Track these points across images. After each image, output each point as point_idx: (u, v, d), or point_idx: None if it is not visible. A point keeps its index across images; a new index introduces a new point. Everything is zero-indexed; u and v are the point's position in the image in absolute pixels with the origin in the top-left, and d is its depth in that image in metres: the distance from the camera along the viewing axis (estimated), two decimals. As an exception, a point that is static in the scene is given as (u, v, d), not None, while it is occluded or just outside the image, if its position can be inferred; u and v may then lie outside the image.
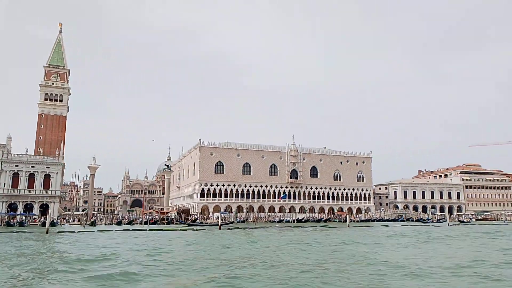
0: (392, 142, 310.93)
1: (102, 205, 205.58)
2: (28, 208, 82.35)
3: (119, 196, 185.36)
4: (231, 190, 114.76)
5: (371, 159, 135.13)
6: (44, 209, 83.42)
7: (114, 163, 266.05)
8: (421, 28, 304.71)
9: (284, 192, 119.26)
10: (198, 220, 79.64)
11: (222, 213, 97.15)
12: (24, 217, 73.06)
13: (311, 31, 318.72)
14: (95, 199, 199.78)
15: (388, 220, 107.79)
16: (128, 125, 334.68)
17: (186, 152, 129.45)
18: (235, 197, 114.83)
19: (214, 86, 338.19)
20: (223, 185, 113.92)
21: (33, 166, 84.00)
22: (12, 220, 71.12)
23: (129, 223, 75.53)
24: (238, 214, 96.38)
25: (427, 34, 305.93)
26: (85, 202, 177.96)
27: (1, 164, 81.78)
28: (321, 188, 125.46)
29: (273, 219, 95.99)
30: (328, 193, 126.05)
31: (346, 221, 77.83)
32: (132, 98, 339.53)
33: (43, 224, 64.91)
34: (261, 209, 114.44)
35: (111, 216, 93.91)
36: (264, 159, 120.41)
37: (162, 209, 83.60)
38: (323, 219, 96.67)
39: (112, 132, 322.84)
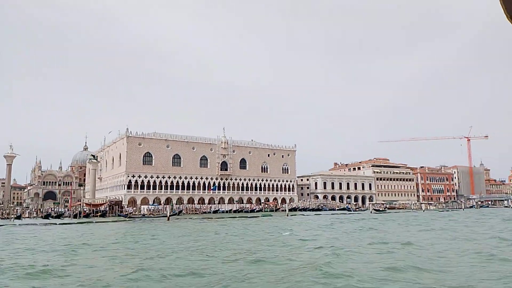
0: (314, 136, 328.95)
1: (10, 196, 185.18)
2: None
3: (28, 188, 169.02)
4: (160, 182, 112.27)
5: (295, 152, 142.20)
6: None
7: (20, 152, 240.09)
8: (339, 32, 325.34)
9: (214, 183, 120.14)
10: (133, 213, 76.92)
11: (153, 205, 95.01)
12: None
13: (239, 23, 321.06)
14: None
15: (313, 210, 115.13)
16: (37, 112, 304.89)
17: (110, 142, 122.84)
18: (164, 189, 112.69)
19: (137, 75, 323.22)
20: (151, 177, 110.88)
21: None
22: None
23: (58, 216, 70.10)
24: (173, 205, 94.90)
25: (346, 37, 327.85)
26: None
27: None
28: (249, 180, 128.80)
29: (207, 210, 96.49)
30: (256, 184, 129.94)
31: (279, 210, 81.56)
32: (39, 82, 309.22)
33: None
34: (190, 201, 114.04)
35: (34, 209, 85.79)
36: (194, 150, 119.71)
37: (91, 201, 78.66)
38: (255, 210, 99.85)
39: (17, 118, 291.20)
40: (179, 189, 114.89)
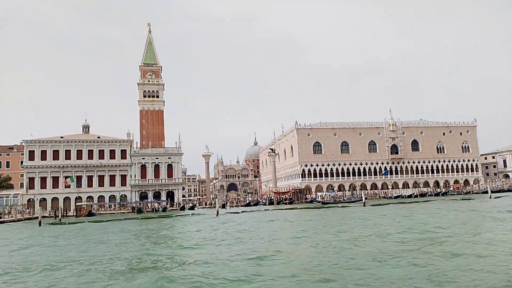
0: (496, 107, 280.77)
1: (197, 190, 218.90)
2: (156, 195, 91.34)
3: (214, 181, 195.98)
4: (331, 169, 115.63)
5: (476, 127, 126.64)
6: (170, 195, 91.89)
7: (200, 150, 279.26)
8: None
9: (385, 168, 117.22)
10: (318, 199, 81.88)
11: (330, 192, 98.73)
12: (165, 203, 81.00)
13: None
14: (189, 186, 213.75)
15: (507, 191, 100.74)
16: (207, 112, 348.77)
17: (280, 135, 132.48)
18: (336, 176, 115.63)
19: (300, 68, 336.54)
20: (322, 165, 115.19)
21: (157, 158, 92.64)
22: (148, 207, 79.21)
23: (255, 204, 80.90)
24: (353, 191, 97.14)
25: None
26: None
27: (131, 158, 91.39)
28: (423, 162, 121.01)
29: (389, 195, 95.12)
30: (432, 166, 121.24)
31: (464, 193, 74.54)
32: (207, 88, 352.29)
33: (182, 208, 72.36)
34: (363, 187, 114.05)
35: (233, 199, 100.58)
36: (362, 136, 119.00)
37: (278, 190, 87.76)
38: (441, 193, 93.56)
39: (194, 119, 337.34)
40: (350, 176, 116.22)
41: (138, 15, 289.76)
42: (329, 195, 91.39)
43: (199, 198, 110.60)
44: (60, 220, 55.88)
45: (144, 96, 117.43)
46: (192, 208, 78.05)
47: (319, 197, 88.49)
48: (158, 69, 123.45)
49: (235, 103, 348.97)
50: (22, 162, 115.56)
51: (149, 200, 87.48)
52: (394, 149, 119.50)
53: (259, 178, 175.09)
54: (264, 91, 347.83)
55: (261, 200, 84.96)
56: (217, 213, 51.56)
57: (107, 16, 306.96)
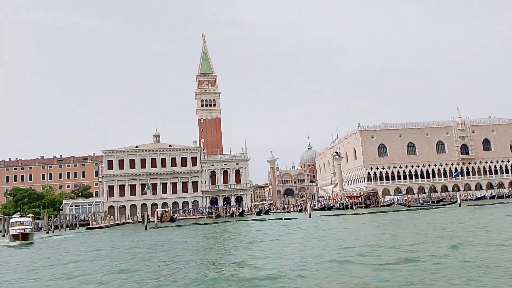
0: None
1: (253, 196, 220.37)
2: (226, 200, 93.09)
3: (269, 186, 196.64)
4: (398, 172, 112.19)
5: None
6: (239, 200, 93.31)
7: (252, 156, 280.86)
8: None
9: (456, 169, 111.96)
10: (399, 202, 79.47)
11: (400, 195, 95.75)
12: (242, 208, 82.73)
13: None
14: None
15: None
16: (257, 117, 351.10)
17: (341, 138, 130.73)
18: (403, 179, 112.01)
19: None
20: (388, 168, 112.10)
21: (226, 164, 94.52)
22: (225, 211, 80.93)
23: (329, 208, 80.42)
24: (431, 194, 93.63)
25: None
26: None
27: (201, 165, 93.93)
28: (496, 161, 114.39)
29: (468, 198, 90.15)
30: (506, 166, 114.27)
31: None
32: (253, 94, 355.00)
33: (258, 213, 73.61)
34: (432, 189, 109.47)
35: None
36: (428, 136, 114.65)
37: (350, 194, 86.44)
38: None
39: (245, 124, 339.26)
40: (418, 178, 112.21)
41: (191, 27, 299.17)
42: (401, 198, 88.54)
43: (270, 203, 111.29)
44: (145, 225, 57.30)
45: (202, 105, 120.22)
46: (267, 212, 78.69)
47: (392, 200, 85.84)
48: (214, 78, 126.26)
49: (283, 107, 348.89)
50: (96, 172, 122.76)
51: (220, 205, 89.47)
52: (464, 149, 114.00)
53: (316, 183, 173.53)
54: (314, 94, 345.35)
55: (334, 204, 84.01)
56: (310, 215, 52.05)
57: (162, 31, 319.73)
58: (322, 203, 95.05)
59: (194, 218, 72.67)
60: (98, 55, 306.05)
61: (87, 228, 60.70)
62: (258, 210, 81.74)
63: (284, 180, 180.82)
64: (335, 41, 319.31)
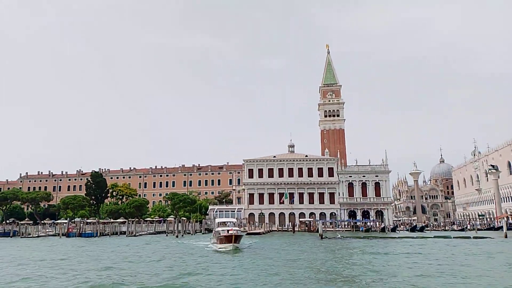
0: None
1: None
2: (365, 214, 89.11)
3: (395, 202, 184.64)
4: None
5: None
6: (379, 215, 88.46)
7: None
8: None
9: None
10: None
11: None
12: (394, 223, 78.84)
13: None
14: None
15: None
16: (378, 128, 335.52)
17: (488, 151, 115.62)
18: None
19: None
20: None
21: (364, 176, 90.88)
22: (373, 226, 77.19)
23: (496, 229, 71.34)
24: None
25: None
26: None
27: (338, 176, 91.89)
28: None
29: None
30: None
31: None
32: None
33: (412, 229, 68.37)
34: None
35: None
36: None
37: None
38: None
39: (367, 136, 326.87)
40: None
41: (315, 40, 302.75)
42: None
43: (414, 219, 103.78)
44: (320, 234, 54.96)
45: (325, 116, 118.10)
46: (422, 229, 72.82)
47: None
48: (338, 88, 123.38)
49: (407, 118, 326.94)
50: (230, 180, 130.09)
51: (358, 218, 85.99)
52: None
53: (452, 200, 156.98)
54: (443, 100, 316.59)
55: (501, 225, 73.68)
56: (505, 235, 48.32)
57: (282, 47, 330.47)
58: (479, 222, 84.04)
59: (332, 230, 70.48)
60: (233, 75, 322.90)
61: (247, 234, 62.16)
62: (411, 226, 76.45)
63: (413, 196, 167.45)
64: (466, 44, 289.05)
